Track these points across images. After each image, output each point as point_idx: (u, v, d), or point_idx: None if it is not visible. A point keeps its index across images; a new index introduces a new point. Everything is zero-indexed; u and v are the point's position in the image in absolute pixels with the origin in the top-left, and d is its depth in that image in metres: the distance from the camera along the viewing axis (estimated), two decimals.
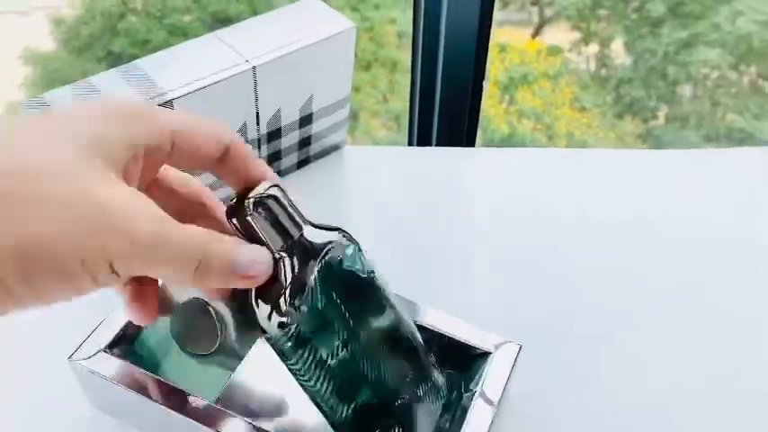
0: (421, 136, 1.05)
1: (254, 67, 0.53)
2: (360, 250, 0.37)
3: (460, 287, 0.57)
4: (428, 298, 0.48)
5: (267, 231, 0.33)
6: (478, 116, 1.05)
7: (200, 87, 0.51)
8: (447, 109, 1.01)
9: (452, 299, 0.50)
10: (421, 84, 1.01)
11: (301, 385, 0.37)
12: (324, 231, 0.36)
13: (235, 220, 0.33)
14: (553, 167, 0.69)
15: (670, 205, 0.66)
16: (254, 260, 0.32)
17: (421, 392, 0.40)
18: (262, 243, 0.33)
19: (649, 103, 2.88)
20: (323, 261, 0.35)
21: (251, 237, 0.33)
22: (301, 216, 0.34)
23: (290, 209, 0.34)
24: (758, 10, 2.75)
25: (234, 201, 0.33)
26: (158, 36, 2.77)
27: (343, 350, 0.36)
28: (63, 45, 2.86)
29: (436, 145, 1.02)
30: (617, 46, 2.86)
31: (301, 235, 0.34)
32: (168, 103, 0.49)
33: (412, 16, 0.97)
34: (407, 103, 1.07)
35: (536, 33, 2.97)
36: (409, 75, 1.04)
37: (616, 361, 0.53)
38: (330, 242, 0.35)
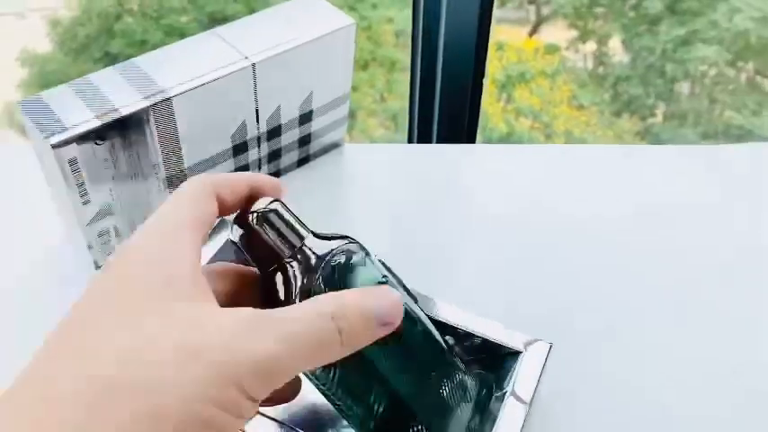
0: (421, 134, 1.04)
1: (253, 65, 0.53)
2: (368, 256, 0.37)
3: (461, 284, 0.57)
4: (429, 295, 0.47)
5: (272, 244, 0.33)
6: (479, 114, 1.04)
7: (200, 85, 0.50)
8: (447, 107, 1.01)
9: (453, 296, 0.49)
10: (421, 82, 1.00)
11: (326, 396, 0.37)
12: (326, 241, 0.36)
13: (241, 240, 0.34)
14: (554, 164, 0.69)
15: (670, 201, 0.65)
16: (393, 301, 0.31)
17: (446, 394, 0.40)
18: (269, 256, 0.34)
19: (647, 101, 2.88)
20: (326, 269, 0.34)
21: (258, 252, 0.34)
22: (304, 226, 0.35)
23: (291, 220, 0.34)
24: (755, 6, 2.75)
25: (237, 220, 0.34)
26: (155, 37, 2.77)
27: (360, 357, 0.35)
28: (59, 46, 2.85)
29: (436, 143, 1.02)
30: (614, 44, 2.86)
31: (303, 245, 0.34)
32: (167, 101, 0.49)
33: (411, 15, 0.97)
34: (405, 103, 1.06)
35: (533, 32, 2.96)
36: (407, 74, 1.03)
37: (618, 357, 0.53)
38: (331, 250, 0.35)
